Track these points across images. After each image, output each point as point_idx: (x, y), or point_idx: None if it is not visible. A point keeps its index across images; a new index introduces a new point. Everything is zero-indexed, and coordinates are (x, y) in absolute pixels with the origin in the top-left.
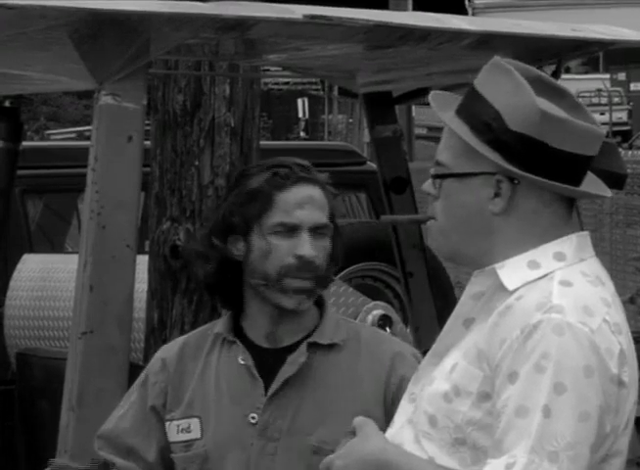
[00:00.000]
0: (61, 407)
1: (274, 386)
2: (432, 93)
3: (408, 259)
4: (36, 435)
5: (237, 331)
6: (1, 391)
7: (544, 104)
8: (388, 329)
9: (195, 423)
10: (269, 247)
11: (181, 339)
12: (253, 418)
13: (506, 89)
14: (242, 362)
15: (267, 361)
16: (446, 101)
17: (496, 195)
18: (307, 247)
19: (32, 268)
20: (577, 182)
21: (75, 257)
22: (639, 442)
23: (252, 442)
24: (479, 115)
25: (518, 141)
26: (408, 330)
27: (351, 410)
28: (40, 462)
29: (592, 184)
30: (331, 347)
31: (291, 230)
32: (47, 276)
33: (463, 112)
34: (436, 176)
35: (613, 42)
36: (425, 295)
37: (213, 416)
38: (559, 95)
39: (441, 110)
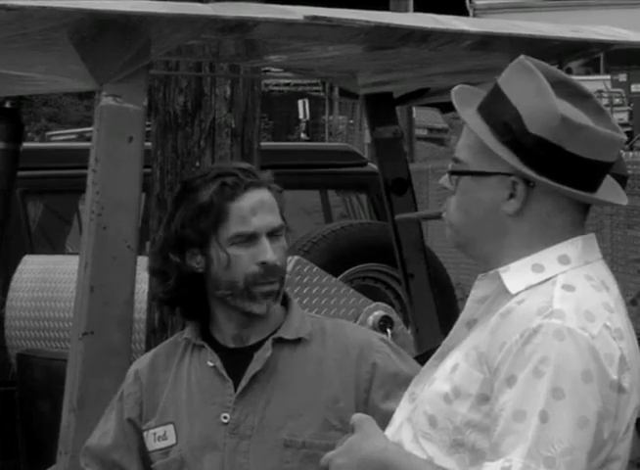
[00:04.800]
0: (61, 408)
1: (242, 383)
2: (455, 87)
3: (409, 261)
4: (37, 436)
5: (205, 334)
6: (2, 392)
7: (566, 108)
8: (388, 330)
9: (170, 429)
10: (230, 258)
11: (153, 350)
12: (225, 418)
13: (528, 91)
14: (210, 364)
15: (235, 361)
16: (468, 97)
17: (511, 196)
18: (269, 252)
19: (33, 269)
20: (594, 188)
21: (76, 257)
22: (639, 443)
23: (225, 441)
24: (499, 114)
25: (536, 144)
26: (409, 331)
27: (320, 402)
28: (41, 463)
29: (609, 190)
30: (297, 341)
31: (249, 239)
32: (48, 277)
33: (484, 109)
34: (453, 173)
35: (613, 43)
36: (425, 296)
37: (187, 420)
38: (582, 98)
39: (462, 106)
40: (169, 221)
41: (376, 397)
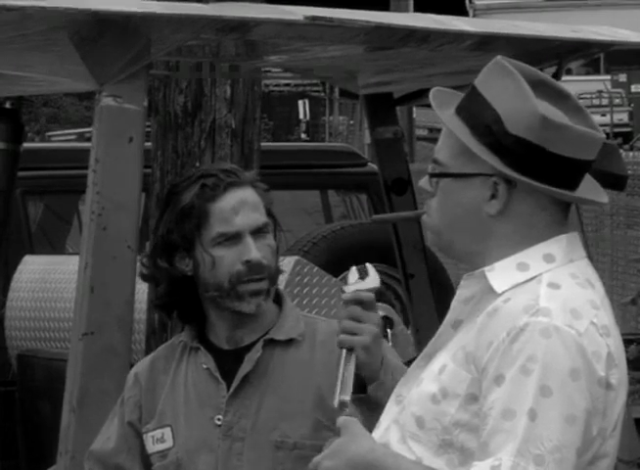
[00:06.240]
0: (62, 408)
1: (234, 385)
2: (432, 90)
3: (409, 261)
4: (37, 436)
5: (202, 337)
6: (2, 392)
7: (545, 108)
8: (389, 330)
9: (167, 432)
10: (215, 259)
11: (152, 353)
12: (219, 420)
13: (507, 92)
14: (204, 366)
15: (229, 363)
16: (446, 99)
17: (492, 197)
18: (253, 251)
19: (33, 269)
20: (574, 187)
21: (76, 258)
22: (639, 443)
23: (219, 443)
24: (479, 116)
25: (517, 145)
26: (409, 331)
27: (310, 402)
28: (41, 463)
29: (589, 188)
30: (289, 342)
31: (233, 238)
32: (48, 277)
33: (463, 111)
34: (433, 175)
35: (613, 43)
36: (425, 296)
37: (183, 423)
38: (560, 98)
39: (441, 108)
40: (157, 226)
41: None
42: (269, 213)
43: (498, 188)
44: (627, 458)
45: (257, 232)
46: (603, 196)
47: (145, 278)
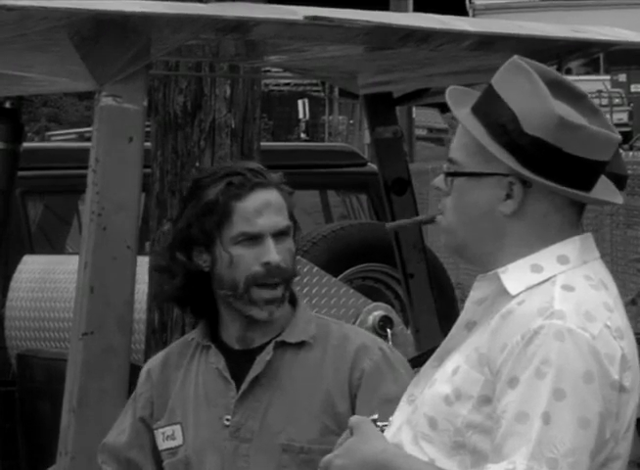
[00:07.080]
0: (61, 408)
1: (243, 386)
2: (449, 89)
3: (409, 261)
4: (37, 436)
5: (214, 335)
6: (2, 392)
7: (561, 108)
8: (388, 330)
9: (177, 429)
10: (234, 257)
11: (166, 349)
12: (227, 420)
13: (524, 91)
14: (214, 366)
15: (239, 363)
16: (462, 97)
17: (508, 196)
18: (273, 253)
19: (33, 269)
20: (589, 187)
21: (76, 258)
22: (639, 443)
23: (226, 444)
24: (495, 115)
25: (533, 145)
26: (409, 331)
27: (318, 407)
28: (41, 463)
29: (604, 189)
30: (300, 345)
31: (254, 238)
32: (47, 277)
33: (479, 110)
34: (449, 174)
35: (613, 43)
36: (425, 296)
37: (192, 421)
38: (576, 98)
39: (456, 106)
40: (177, 219)
41: (359, 404)
42: (291, 217)
43: (513, 188)
44: (629, 459)
45: (279, 235)
46: (618, 196)
47: (160, 270)
